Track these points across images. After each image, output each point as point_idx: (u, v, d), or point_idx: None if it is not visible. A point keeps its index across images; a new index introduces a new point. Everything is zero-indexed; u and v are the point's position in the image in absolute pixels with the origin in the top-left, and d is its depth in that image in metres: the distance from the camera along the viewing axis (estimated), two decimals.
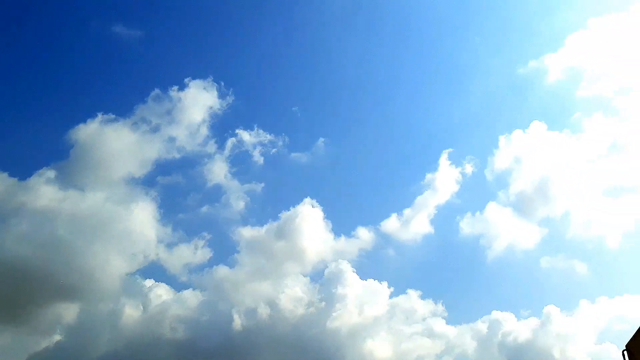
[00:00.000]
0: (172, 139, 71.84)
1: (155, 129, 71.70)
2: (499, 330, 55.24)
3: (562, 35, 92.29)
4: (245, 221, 71.17)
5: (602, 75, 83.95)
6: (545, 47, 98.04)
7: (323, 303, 56.60)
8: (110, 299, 55.57)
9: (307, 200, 67.93)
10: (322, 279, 60.85)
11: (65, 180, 62.54)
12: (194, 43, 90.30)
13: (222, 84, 78.17)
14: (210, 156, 74.49)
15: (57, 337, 52.01)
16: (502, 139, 76.70)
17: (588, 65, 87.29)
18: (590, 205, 70.45)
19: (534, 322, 55.76)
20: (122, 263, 57.47)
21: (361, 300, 56.78)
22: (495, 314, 56.87)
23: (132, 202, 62.65)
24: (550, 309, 54.61)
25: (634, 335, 24.53)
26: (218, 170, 73.12)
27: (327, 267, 62.20)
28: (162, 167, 72.42)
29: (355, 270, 58.78)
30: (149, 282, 58.76)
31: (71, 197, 60.62)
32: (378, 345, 54.19)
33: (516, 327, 55.03)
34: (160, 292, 57.29)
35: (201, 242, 65.17)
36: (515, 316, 56.42)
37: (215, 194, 73.44)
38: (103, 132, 68.46)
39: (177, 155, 72.84)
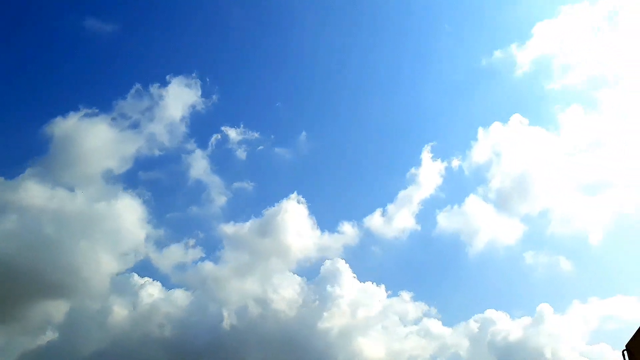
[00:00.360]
0: (152, 136, 71.33)
1: (135, 125, 71.15)
2: (489, 328, 55.50)
3: (530, 23, 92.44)
4: (229, 218, 72.03)
5: (573, 65, 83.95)
6: (513, 36, 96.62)
7: (315, 302, 56.61)
8: (100, 297, 55.08)
9: (292, 196, 68.03)
10: (310, 275, 61.19)
11: (48, 176, 61.43)
12: (176, 39, 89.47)
13: (205, 80, 78.65)
14: (190, 153, 73.83)
15: (48, 336, 51.56)
16: (480, 131, 77.36)
17: (558, 54, 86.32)
18: (570, 201, 70.87)
19: (526, 321, 56.22)
20: (109, 261, 56.69)
21: (350, 299, 56.81)
22: (488, 313, 57.25)
23: (113, 198, 61.83)
24: (543, 308, 55.00)
25: (634, 335, 24.60)
26: (200, 167, 72.57)
27: (311, 263, 63.25)
28: (143, 164, 71.85)
29: (351, 269, 58.84)
30: (139, 280, 58.08)
31: (55, 194, 59.76)
32: (362, 343, 54.32)
33: (507, 327, 55.34)
34: (151, 291, 56.61)
35: (188, 240, 64.92)
36: (505, 315, 56.61)
37: (198, 191, 72.83)
38: (81, 128, 67.57)
39: (158, 152, 72.36)
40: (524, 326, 55.31)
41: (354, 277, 58.67)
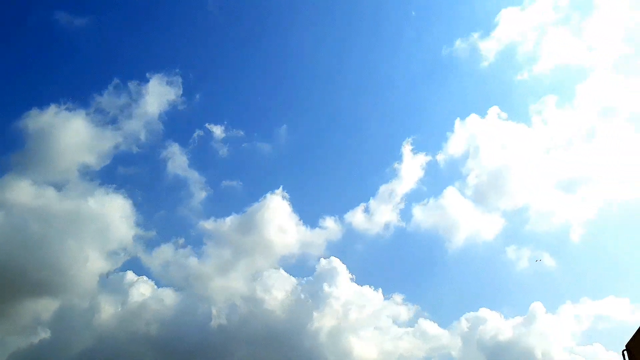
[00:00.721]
0: (130, 132, 71.01)
1: (113, 121, 70.71)
2: (479, 327, 55.62)
3: (494, 11, 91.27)
4: (210, 215, 71.37)
5: (541, 55, 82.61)
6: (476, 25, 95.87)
7: (306, 300, 56.21)
8: (88, 295, 54.43)
9: (277, 191, 68.25)
10: (293, 271, 61.01)
11: (25, 172, 60.58)
12: (157, 36, 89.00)
13: (187, 77, 79.36)
14: (169, 149, 73.61)
15: (39, 334, 50.85)
16: (457, 124, 77.62)
17: (524, 43, 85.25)
18: (549, 197, 70.99)
19: (518, 319, 56.71)
20: (96, 259, 56.20)
21: (339, 297, 56.39)
22: (479, 312, 57.60)
23: (90, 195, 61.13)
24: (535, 307, 55.26)
25: (634, 335, 24.60)
26: (179, 164, 72.26)
27: (295, 259, 64.33)
28: (122, 160, 71.47)
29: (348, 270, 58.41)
30: (126, 278, 57.31)
31: (34, 190, 58.66)
32: (352, 342, 53.99)
33: (498, 326, 55.64)
34: (140, 289, 55.93)
35: (174, 239, 65.22)
36: (495, 314, 56.98)
37: (178, 188, 72.69)
38: (57, 123, 66.79)
39: (137, 149, 72.13)
40: (514, 325, 55.76)
41: (349, 277, 58.52)
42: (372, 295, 58.73)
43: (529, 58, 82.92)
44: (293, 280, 58.39)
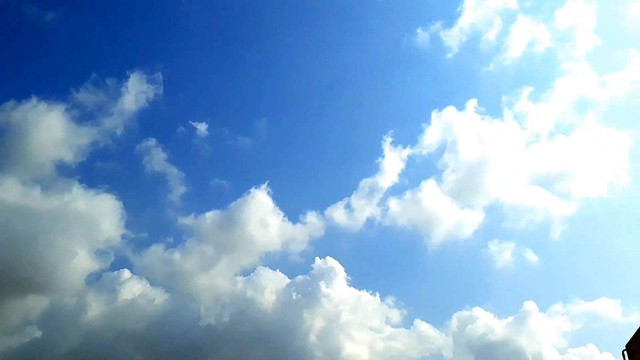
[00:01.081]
0: (109, 128, 69.24)
1: (91, 117, 68.98)
2: (467, 326, 55.43)
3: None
4: (189, 211, 70.12)
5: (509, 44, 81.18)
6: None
7: (295, 297, 55.70)
8: (75, 294, 53.40)
9: (258, 186, 67.00)
10: (279, 267, 60.51)
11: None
12: (137, 33, 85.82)
13: (166, 74, 76.42)
14: (149, 145, 71.36)
15: (30, 333, 49.86)
16: (434, 117, 76.31)
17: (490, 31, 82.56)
18: (527, 192, 69.94)
19: (510, 319, 55.97)
20: (77, 254, 54.40)
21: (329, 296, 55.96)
22: (465, 311, 57.60)
23: (66, 191, 58.92)
24: (527, 305, 54.91)
25: (634, 335, 24.76)
26: (158, 160, 70.26)
27: (279, 255, 62.80)
28: (100, 157, 69.83)
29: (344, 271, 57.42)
30: (113, 276, 56.27)
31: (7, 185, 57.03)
32: (342, 341, 53.57)
33: (488, 324, 55.58)
34: (126, 287, 54.84)
35: (156, 236, 64.97)
36: (484, 312, 56.94)
37: (159, 185, 70.70)
38: (33, 118, 64.02)
39: (115, 146, 70.55)
40: (504, 324, 55.35)
41: (344, 277, 57.67)
42: (356, 293, 58.28)
43: (495, 48, 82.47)
44: (280, 277, 57.81)
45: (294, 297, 55.24)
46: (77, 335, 48.75)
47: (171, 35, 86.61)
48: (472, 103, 73.65)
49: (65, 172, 63.03)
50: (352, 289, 58.05)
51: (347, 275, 57.50)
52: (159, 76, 74.39)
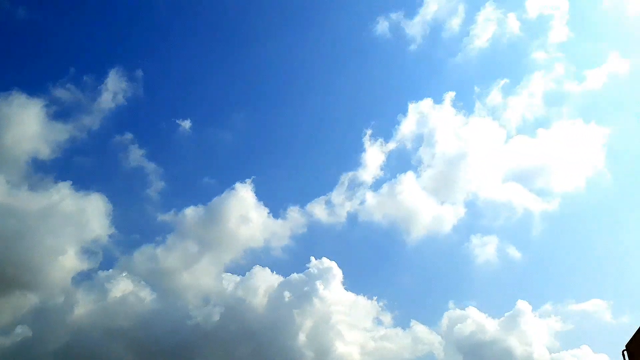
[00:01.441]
0: (86, 124, 69.01)
1: (68, 113, 69.87)
2: (455, 326, 55.95)
3: None
4: (170, 207, 69.39)
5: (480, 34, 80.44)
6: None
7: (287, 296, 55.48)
8: (61, 292, 53.04)
9: (243, 181, 67.40)
10: (259, 263, 60.20)
11: None
12: (114, 31, 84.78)
13: (145, 71, 76.48)
14: (127, 141, 71.25)
15: (20, 333, 49.70)
16: (411, 110, 76.56)
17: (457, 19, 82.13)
18: (506, 188, 70.32)
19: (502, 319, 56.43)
20: (69, 256, 53.93)
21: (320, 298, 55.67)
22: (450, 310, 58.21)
23: (43, 189, 59.11)
24: (520, 305, 55.41)
25: (634, 336, 25.15)
26: (136, 156, 70.09)
27: (261, 249, 62.90)
28: (77, 153, 69.89)
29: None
30: (98, 275, 55.66)
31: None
32: (331, 340, 53.53)
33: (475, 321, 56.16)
34: (113, 285, 54.15)
35: (136, 233, 64.18)
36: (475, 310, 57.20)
37: (138, 181, 70.31)
38: (9, 113, 63.40)
39: (93, 142, 70.53)
40: (496, 324, 55.85)
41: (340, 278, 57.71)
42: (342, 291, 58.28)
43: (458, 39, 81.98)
44: (267, 274, 57.88)
45: (282, 296, 55.27)
46: (65, 333, 48.43)
47: (152, 32, 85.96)
48: (449, 96, 74.28)
49: (42, 168, 62.78)
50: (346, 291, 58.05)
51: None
52: (139, 73, 74.62)
